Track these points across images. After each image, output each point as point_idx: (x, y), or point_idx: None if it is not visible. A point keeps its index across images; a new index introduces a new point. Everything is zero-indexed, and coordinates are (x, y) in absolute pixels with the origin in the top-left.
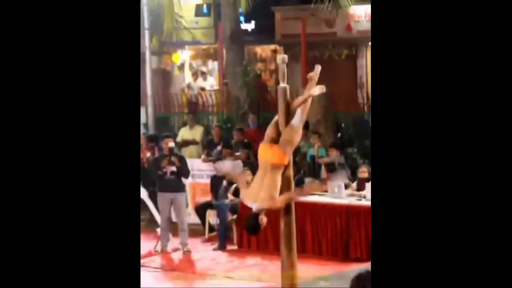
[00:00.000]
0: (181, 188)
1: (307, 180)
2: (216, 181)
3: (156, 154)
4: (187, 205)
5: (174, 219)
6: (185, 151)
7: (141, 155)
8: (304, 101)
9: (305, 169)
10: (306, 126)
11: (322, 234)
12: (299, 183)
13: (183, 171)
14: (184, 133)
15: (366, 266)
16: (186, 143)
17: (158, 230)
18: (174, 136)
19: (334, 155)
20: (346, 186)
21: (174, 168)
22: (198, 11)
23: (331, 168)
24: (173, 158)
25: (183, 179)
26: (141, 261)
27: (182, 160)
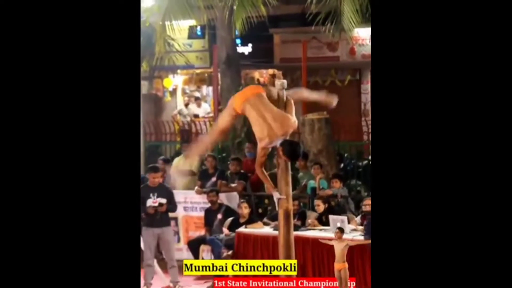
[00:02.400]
0: (167, 222)
1: (310, 214)
2: (210, 214)
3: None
4: (179, 240)
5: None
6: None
7: None
8: None
9: (305, 201)
10: (306, 156)
11: (323, 270)
12: (302, 218)
13: (171, 207)
14: (179, 163)
15: None
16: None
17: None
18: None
19: (337, 187)
20: (349, 220)
21: (162, 207)
22: (192, 33)
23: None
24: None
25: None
26: None
27: (169, 194)
